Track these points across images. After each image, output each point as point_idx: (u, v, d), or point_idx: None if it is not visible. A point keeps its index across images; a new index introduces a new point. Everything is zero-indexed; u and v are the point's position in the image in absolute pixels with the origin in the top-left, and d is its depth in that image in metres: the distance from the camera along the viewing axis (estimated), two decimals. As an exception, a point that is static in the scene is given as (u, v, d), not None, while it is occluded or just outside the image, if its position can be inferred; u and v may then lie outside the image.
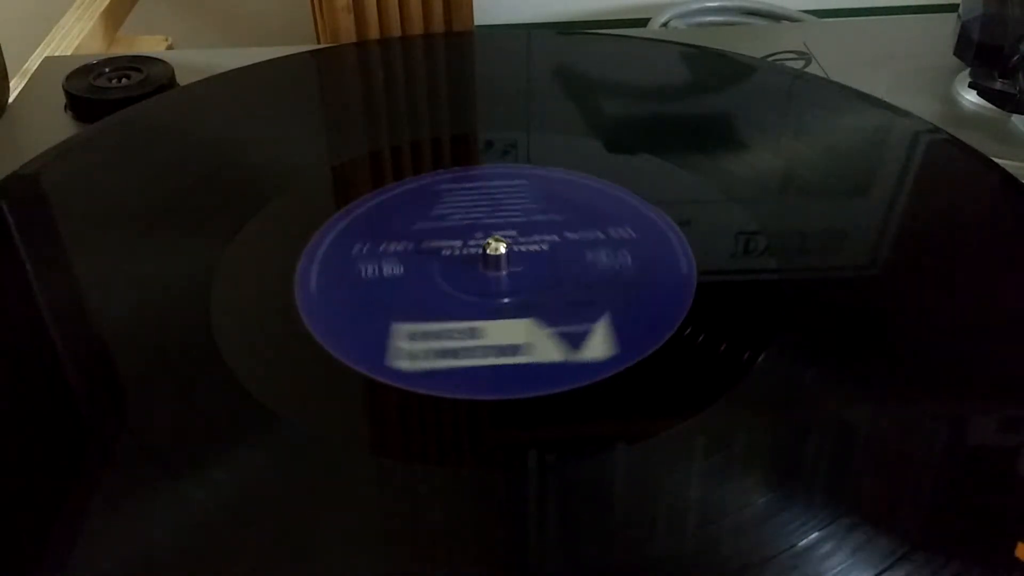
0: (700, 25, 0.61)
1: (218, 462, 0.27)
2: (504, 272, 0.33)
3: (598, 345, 0.30)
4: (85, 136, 0.41)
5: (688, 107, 0.45)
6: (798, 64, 0.49)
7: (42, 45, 0.56)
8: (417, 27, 0.52)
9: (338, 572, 0.24)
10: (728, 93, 0.45)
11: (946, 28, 0.46)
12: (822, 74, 0.47)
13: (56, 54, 0.55)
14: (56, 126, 0.44)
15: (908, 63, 0.48)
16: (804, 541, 0.24)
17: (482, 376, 0.29)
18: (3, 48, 0.45)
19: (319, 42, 0.59)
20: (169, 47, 0.63)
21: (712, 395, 0.28)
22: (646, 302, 0.32)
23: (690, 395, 0.28)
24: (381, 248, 0.35)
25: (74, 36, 0.57)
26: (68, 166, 0.39)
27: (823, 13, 0.62)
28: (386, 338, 0.30)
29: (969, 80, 0.44)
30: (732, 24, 0.61)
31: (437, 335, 0.30)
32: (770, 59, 0.49)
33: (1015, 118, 0.43)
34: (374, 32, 0.52)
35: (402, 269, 0.34)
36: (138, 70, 0.47)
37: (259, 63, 0.47)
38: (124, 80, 0.46)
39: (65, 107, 0.46)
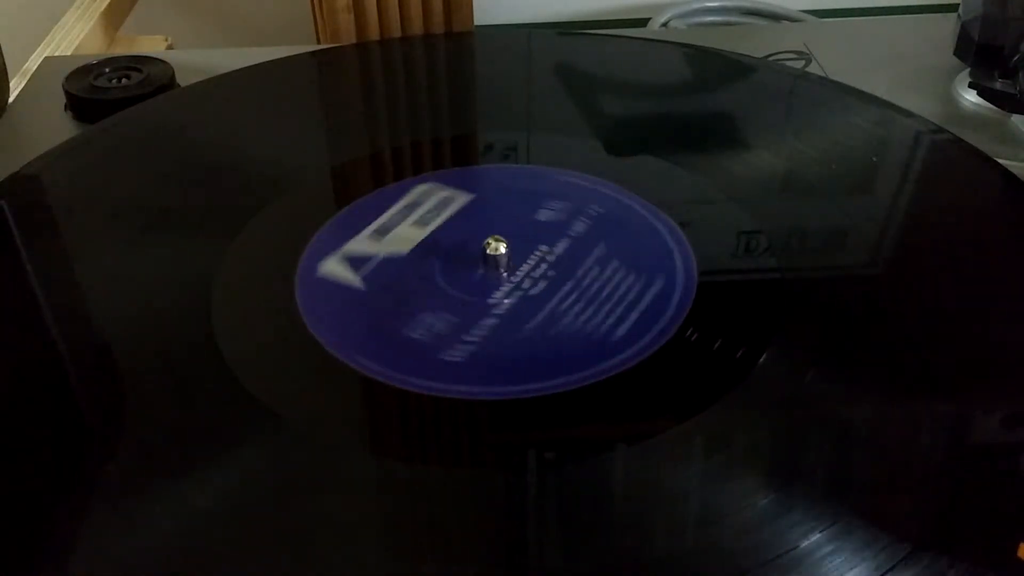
0: (700, 25, 0.61)
1: (218, 462, 0.27)
2: (504, 272, 0.33)
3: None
4: (85, 136, 0.41)
5: (688, 107, 0.45)
6: (798, 64, 0.49)
7: (42, 45, 0.56)
8: (417, 27, 0.52)
9: (338, 572, 0.24)
10: (728, 93, 0.45)
11: (946, 28, 0.46)
12: (822, 74, 0.47)
13: (56, 54, 0.55)
14: (56, 126, 0.44)
15: (908, 63, 0.48)
16: (805, 542, 0.24)
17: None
18: (3, 48, 0.45)
19: (319, 42, 0.59)
20: (169, 47, 0.63)
21: (713, 395, 0.28)
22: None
23: (691, 395, 0.28)
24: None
25: (74, 36, 0.57)
26: (68, 166, 0.39)
27: (823, 13, 0.62)
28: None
29: (969, 80, 0.44)
30: (732, 24, 0.61)
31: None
32: (770, 59, 0.49)
33: (1015, 118, 0.43)
34: (374, 32, 0.52)
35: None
36: (138, 70, 0.47)
37: (259, 64, 0.47)
38: (124, 80, 0.46)
39: (65, 107, 0.45)
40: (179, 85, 0.47)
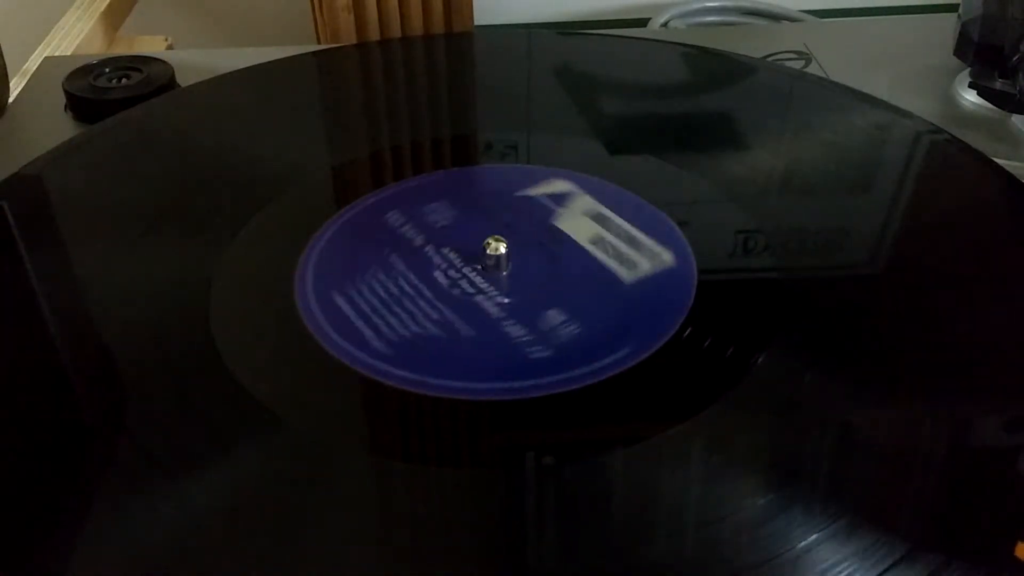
0: (700, 25, 0.61)
1: (218, 462, 0.27)
2: (504, 272, 0.33)
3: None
4: (86, 136, 0.41)
5: (688, 107, 0.45)
6: (798, 64, 0.49)
7: (42, 45, 0.56)
8: (417, 27, 0.52)
9: (338, 572, 0.24)
10: (728, 93, 0.45)
11: (946, 28, 0.46)
12: (822, 74, 0.47)
13: (56, 54, 0.55)
14: (56, 126, 0.44)
15: (908, 63, 0.48)
16: (804, 542, 0.24)
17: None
18: (3, 48, 0.45)
19: (319, 42, 0.59)
20: (169, 47, 0.63)
21: (712, 396, 0.28)
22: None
23: (690, 396, 0.28)
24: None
25: (74, 36, 0.57)
26: (69, 166, 0.39)
27: (823, 13, 0.62)
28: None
29: (969, 80, 0.44)
30: (732, 24, 0.61)
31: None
32: (770, 59, 0.49)
33: (1015, 118, 0.43)
34: (374, 32, 0.52)
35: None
36: (138, 70, 0.47)
37: (259, 64, 0.47)
38: (124, 80, 0.46)
39: (65, 107, 0.46)
40: (179, 85, 0.47)
